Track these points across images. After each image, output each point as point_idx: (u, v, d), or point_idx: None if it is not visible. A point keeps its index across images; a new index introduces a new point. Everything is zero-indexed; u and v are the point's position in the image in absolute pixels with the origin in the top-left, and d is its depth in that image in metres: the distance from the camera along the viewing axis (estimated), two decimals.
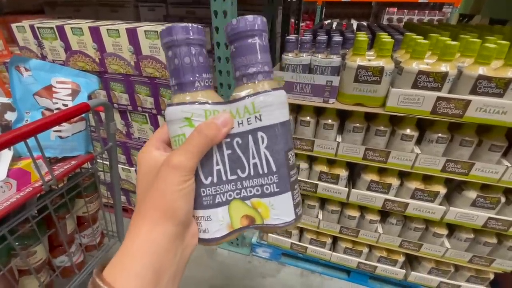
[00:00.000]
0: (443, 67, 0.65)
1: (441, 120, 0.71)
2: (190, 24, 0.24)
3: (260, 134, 0.25)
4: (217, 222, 0.25)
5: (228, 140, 0.25)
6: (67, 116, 0.50)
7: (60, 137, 0.56)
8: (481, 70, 0.64)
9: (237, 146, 0.25)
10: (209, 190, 0.25)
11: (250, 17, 0.23)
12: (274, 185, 0.25)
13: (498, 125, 0.68)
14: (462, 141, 0.75)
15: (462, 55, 0.72)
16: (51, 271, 0.68)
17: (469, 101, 0.66)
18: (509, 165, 0.74)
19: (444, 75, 0.66)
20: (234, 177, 0.26)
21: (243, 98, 0.24)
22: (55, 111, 0.56)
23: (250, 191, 0.26)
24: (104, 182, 0.78)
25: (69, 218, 0.65)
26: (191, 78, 0.24)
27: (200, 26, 0.24)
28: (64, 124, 0.55)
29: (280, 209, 0.26)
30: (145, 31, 0.85)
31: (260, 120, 0.24)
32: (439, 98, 0.68)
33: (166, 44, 0.24)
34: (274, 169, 0.25)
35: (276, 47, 1.53)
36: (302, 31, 2.19)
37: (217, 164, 0.25)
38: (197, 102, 0.24)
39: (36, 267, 0.60)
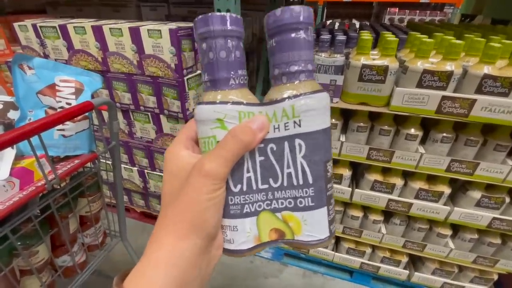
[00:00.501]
0: (448, 66, 0.65)
1: (446, 119, 0.71)
2: (228, 14, 0.21)
3: (298, 141, 0.22)
4: (244, 233, 0.24)
5: (262, 145, 0.23)
6: (70, 114, 0.49)
7: (64, 136, 0.55)
8: (486, 70, 0.63)
9: (271, 153, 0.23)
10: (237, 198, 0.23)
11: (296, 8, 0.21)
12: (309, 198, 0.23)
13: (503, 125, 0.68)
14: (467, 141, 0.75)
15: (467, 55, 0.71)
16: (53, 271, 0.68)
17: (474, 101, 0.66)
18: None
19: (449, 74, 0.65)
20: (265, 186, 0.23)
21: (282, 100, 0.22)
22: (59, 110, 0.56)
23: (282, 203, 0.24)
24: (106, 182, 0.77)
25: (71, 218, 0.65)
26: (226, 75, 0.22)
27: (238, 16, 0.22)
28: (67, 123, 0.55)
29: (313, 225, 0.23)
30: (148, 30, 0.84)
31: (300, 125, 0.22)
32: (444, 98, 0.67)
33: (201, 35, 0.21)
34: (310, 181, 0.23)
35: None
36: None
37: (248, 172, 0.23)
38: (231, 102, 0.22)
39: (38, 267, 0.60)
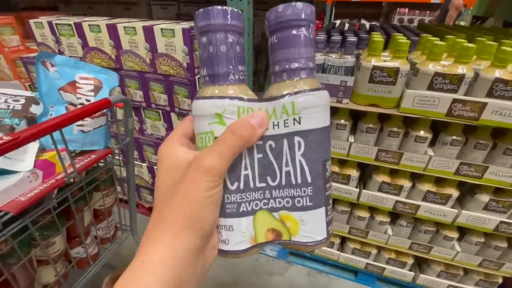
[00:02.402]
0: (460, 69, 0.65)
1: (456, 122, 0.71)
2: (229, 8, 0.21)
3: (297, 139, 0.22)
4: (240, 233, 0.23)
5: (261, 143, 0.22)
6: (90, 111, 0.51)
7: (82, 131, 0.57)
8: (498, 73, 0.64)
9: (270, 150, 0.22)
10: (234, 197, 0.22)
11: (299, 4, 0.20)
12: (307, 198, 0.22)
13: None
14: (476, 144, 0.75)
15: (478, 58, 0.71)
16: (67, 262, 0.70)
17: (485, 104, 0.66)
18: None
19: (461, 77, 0.65)
20: (263, 185, 0.23)
21: (282, 96, 0.22)
22: (79, 106, 0.57)
23: (280, 203, 0.23)
24: (118, 178, 0.79)
25: (86, 211, 0.67)
26: (226, 70, 0.21)
27: (239, 11, 0.21)
28: (86, 118, 0.57)
29: (311, 225, 0.23)
30: (161, 29, 0.86)
31: (299, 123, 0.21)
32: (455, 100, 0.68)
33: (201, 29, 0.21)
34: (309, 180, 0.22)
35: None
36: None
37: (246, 169, 0.22)
38: (231, 97, 0.21)
39: (54, 258, 0.62)
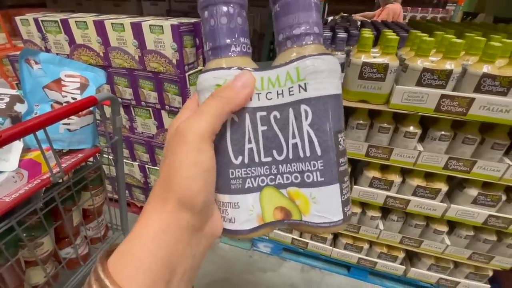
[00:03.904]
0: (448, 65, 0.66)
1: (445, 117, 0.72)
2: None
3: (303, 107, 0.20)
4: (246, 211, 0.21)
5: (264, 113, 0.21)
6: (75, 109, 0.50)
7: (69, 130, 0.56)
8: (486, 69, 0.64)
9: (274, 121, 0.21)
10: (238, 172, 0.21)
11: None
12: (318, 173, 0.20)
13: (501, 124, 0.69)
14: (465, 139, 0.76)
15: (467, 53, 0.72)
16: (57, 262, 0.69)
17: (473, 99, 0.67)
18: (510, 163, 0.75)
19: (449, 73, 0.66)
20: (269, 159, 0.21)
21: (286, 63, 0.20)
22: (64, 104, 0.56)
23: (287, 178, 0.21)
24: (108, 176, 0.78)
25: (75, 211, 0.66)
26: (228, 41, 0.21)
27: None
28: (73, 117, 0.56)
29: (324, 204, 0.21)
30: (150, 25, 0.85)
31: (305, 90, 0.20)
32: (443, 96, 0.68)
33: (202, 3, 0.21)
34: (318, 152, 0.20)
35: None
36: None
37: (250, 142, 0.21)
38: (232, 67, 0.21)
39: (42, 259, 0.61)
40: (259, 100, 0.21)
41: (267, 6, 1.36)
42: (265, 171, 0.22)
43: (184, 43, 0.87)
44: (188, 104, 0.23)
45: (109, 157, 0.72)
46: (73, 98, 0.57)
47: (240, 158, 0.21)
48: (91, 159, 0.67)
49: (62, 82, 0.56)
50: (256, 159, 0.21)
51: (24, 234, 0.56)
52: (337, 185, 0.21)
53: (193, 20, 0.94)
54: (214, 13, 0.20)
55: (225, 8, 0.20)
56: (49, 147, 0.49)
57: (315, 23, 0.20)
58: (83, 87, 0.59)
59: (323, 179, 0.20)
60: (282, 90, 0.21)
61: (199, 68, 0.99)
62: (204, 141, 0.19)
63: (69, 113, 0.50)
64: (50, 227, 0.60)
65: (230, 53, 0.21)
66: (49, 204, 0.58)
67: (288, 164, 0.21)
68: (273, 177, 0.22)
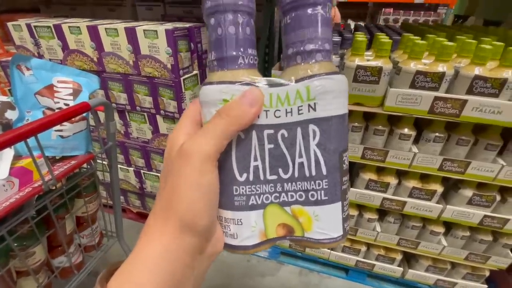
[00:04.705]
0: (440, 68, 0.66)
1: (438, 119, 0.72)
2: None
3: (312, 127, 0.20)
4: (249, 227, 0.22)
5: (272, 131, 0.21)
6: (67, 115, 0.49)
7: (62, 136, 0.56)
8: (477, 71, 0.65)
9: (282, 140, 0.21)
10: (243, 189, 0.21)
11: None
12: (322, 192, 0.21)
13: (494, 125, 0.70)
14: (458, 140, 0.77)
15: (459, 56, 0.73)
16: (50, 272, 0.68)
17: (465, 101, 0.68)
18: (504, 164, 0.75)
19: (441, 75, 0.67)
20: (274, 177, 0.21)
21: (296, 81, 0.20)
22: (57, 111, 0.56)
23: (292, 196, 0.22)
24: (102, 182, 0.77)
25: (68, 218, 0.65)
26: (235, 53, 0.20)
27: None
28: (65, 123, 0.55)
29: (326, 221, 0.21)
30: (144, 30, 0.84)
31: (314, 109, 0.20)
32: (436, 98, 0.69)
33: (209, 10, 0.20)
34: (324, 172, 0.21)
35: (274, 47, 1.54)
36: None
37: (255, 160, 0.21)
38: (239, 82, 0.20)
39: (34, 268, 0.60)
40: (267, 117, 0.21)
41: (262, 10, 1.37)
42: (270, 189, 0.22)
43: (179, 47, 0.87)
44: (188, 113, 0.22)
45: (104, 162, 0.71)
46: (65, 104, 0.56)
47: (245, 175, 0.21)
48: (84, 165, 0.66)
49: (54, 88, 0.56)
50: (262, 177, 0.21)
51: (15, 244, 0.54)
52: (339, 204, 0.21)
53: (187, 24, 0.94)
54: (221, 21, 0.19)
55: (233, 17, 0.19)
56: (41, 154, 0.49)
57: (326, 40, 0.20)
58: (76, 93, 0.58)
59: (327, 198, 0.21)
60: (291, 109, 0.20)
61: (194, 72, 0.99)
62: (209, 162, 0.18)
63: (61, 119, 0.49)
64: (42, 235, 0.59)
65: (237, 66, 0.20)
66: (41, 212, 0.56)
67: (294, 183, 0.21)
68: (278, 194, 0.22)
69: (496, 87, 0.65)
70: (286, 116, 0.21)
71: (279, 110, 0.21)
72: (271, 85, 0.21)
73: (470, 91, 0.67)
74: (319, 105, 0.20)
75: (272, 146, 0.21)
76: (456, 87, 0.69)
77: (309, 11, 0.19)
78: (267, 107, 0.20)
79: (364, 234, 1.01)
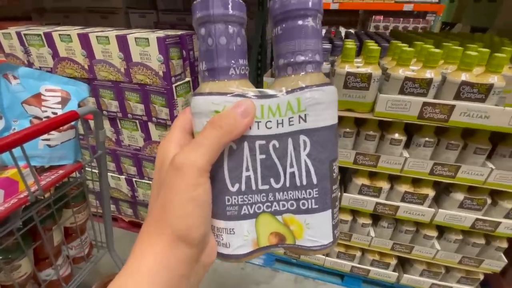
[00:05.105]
0: (428, 74, 0.68)
1: (428, 124, 0.73)
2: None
3: (302, 138, 0.21)
4: (241, 236, 0.22)
5: (263, 142, 0.21)
6: (55, 124, 0.49)
7: (49, 145, 0.55)
8: (464, 77, 0.66)
9: (273, 150, 0.21)
10: (235, 199, 0.21)
11: None
12: (313, 200, 0.21)
13: (482, 129, 0.71)
14: (448, 145, 0.78)
15: (446, 62, 0.74)
16: (37, 285, 0.65)
17: (453, 106, 0.69)
18: (493, 167, 0.76)
19: (429, 81, 0.68)
20: (266, 187, 0.22)
21: (286, 92, 0.20)
22: (44, 119, 0.55)
23: (283, 205, 0.22)
24: (93, 191, 0.76)
25: (56, 229, 0.63)
26: (226, 64, 0.20)
27: (241, 0, 0.20)
28: (53, 132, 0.54)
29: (316, 229, 0.22)
30: (135, 38, 0.84)
31: (305, 121, 0.20)
32: (425, 104, 0.70)
33: (199, 20, 0.20)
34: (314, 181, 0.21)
35: (267, 53, 1.55)
36: None
37: (247, 170, 0.21)
38: (231, 93, 0.20)
39: (20, 282, 0.58)
40: (258, 128, 0.21)
41: (254, 18, 1.39)
42: (262, 198, 0.22)
43: (171, 55, 0.87)
44: (178, 123, 0.22)
45: (93, 171, 0.70)
46: (53, 113, 0.55)
47: (237, 185, 0.21)
48: (74, 174, 0.65)
49: (42, 97, 0.55)
50: (253, 187, 0.22)
51: (0, 257, 0.53)
52: (329, 211, 0.22)
53: (179, 32, 0.94)
54: (212, 31, 0.19)
55: (224, 28, 0.19)
56: (27, 164, 0.47)
57: (317, 51, 0.21)
58: (64, 101, 0.57)
59: (317, 206, 0.21)
60: (282, 120, 0.21)
61: (187, 79, 0.99)
62: (201, 175, 0.18)
63: (49, 128, 0.48)
64: (28, 248, 0.57)
65: (228, 77, 0.20)
66: (27, 224, 0.55)
67: (285, 192, 0.22)
68: (270, 204, 0.22)
69: (483, 92, 0.66)
70: (277, 127, 0.21)
71: (271, 121, 0.21)
72: (262, 96, 0.21)
73: (457, 97, 0.68)
74: (309, 116, 0.20)
75: (263, 156, 0.21)
76: (444, 92, 0.70)
77: (300, 22, 0.20)
78: (259, 118, 0.21)
79: (358, 240, 1.01)
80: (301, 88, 0.20)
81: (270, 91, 0.21)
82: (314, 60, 0.20)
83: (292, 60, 0.20)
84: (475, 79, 0.66)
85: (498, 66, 0.64)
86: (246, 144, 0.21)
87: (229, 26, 0.20)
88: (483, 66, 0.69)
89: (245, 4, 0.20)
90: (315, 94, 0.20)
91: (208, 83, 0.21)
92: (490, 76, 0.65)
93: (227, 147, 0.21)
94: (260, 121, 0.21)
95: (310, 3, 0.19)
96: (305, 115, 0.20)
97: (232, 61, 0.20)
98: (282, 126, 0.21)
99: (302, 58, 0.20)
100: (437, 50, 0.66)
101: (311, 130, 0.21)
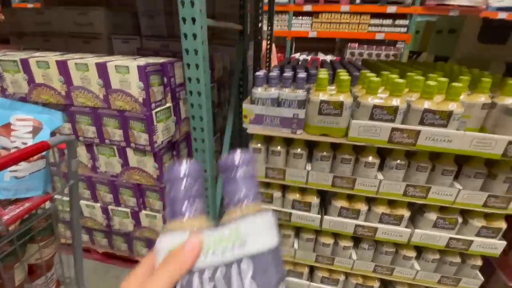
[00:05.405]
0: (394, 101, 0.73)
1: (398, 148, 0.78)
2: (187, 162, 0.26)
3: (246, 262, 0.23)
4: None
5: (211, 271, 0.23)
6: (23, 156, 0.47)
7: (16, 177, 0.52)
8: (426, 104, 0.72)
9: (222, 277, 0.23)
10: None
11: (237, 153, 0.26)
12: None
13: (446, 152, 0.76)
14: (418, 167, 0.82)
15: (410, 91, 0.80)
16: None
17: (419, 131, 0.74)
18: (460, 187, 0.81)
19: (396, 108, 0.73)
20: None
21: (227, 223, 0.24)
22: (13, 150, 0.53)
23: None
24: (63, 220, 0.72)
25: (18, 267, 0.59)
26: (183, 208, 0.25)
27: (196, 162, 0.27)
28: (21, 163, 0.52)
29: None
30: (115, 66, 0.85)
31: (246, 247, 0.23)
32: (393, 129, 0.74)
33: (165, 178, 0.27)
34: None
35: (248, 80, 1.60)
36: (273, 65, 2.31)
37: None
38: (184, 231, 0.24)
39: None
40: (206, 258, 0.24)
41: (235, 45, 1.45)
42: None
43: (151, 82, 0.88)
44: (145, 260, 0.25)
45: (64, 198, 0.67)
46: (23, 143, 0.54)
47: None
48: (42, 205, 0.62)
49: (12, 127, 0.54)
50: None
51: None
52: None
53: (161, 60, 0.96)
54: (173, 186, 0.26)
55: (182, 183, 0.26)
56: None
57: (252, 188, 0.26)
58: (36, 130, 0.56)
59: None
60: (226, 248, 0.23)
61: (167, 105, 1.00)
62: None
63: (17, 160, 0.47)
64: None
65: (184, 217, 0.25)
66: None
67: None
68: None
69: (444, 118, 0.72)
70: (223, 255, 0.23)
71: (217, 251, 0.24)
72: (211, 230, 0.24)
73: (421, 122, 0.74)
74: (248, 242, 0.23)
75: (212, 284, 0.23)
76: (410, 118, 0.75)
77: (234, 173, 0.26)
78: (206, 250, 0.24)
79: (341, 263, 1.01)
80: (240, 218, 0.24)
81: (217, 226, 0.25)
82: (251, 193, 0.26)
83: (232, 198, 0.26)
84: (436, 106, 0.72)
85: (455, 95, 0.70)
86: (195, 276, 0.23)
87: (187, 180, 0.26)
88: (443, 94, 0.75)
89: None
90: (252, 219, 0.24)
91: (170, 223, 0.26)
92: (449, 103, 0.71)
93: (180, 281, 0.23)
94: (208, 252, 0.24)
95: (241, 160, 0.26)
96: (245, 241, 0.23)
97: (188, 205, 0.25)
98: (227, 254, 0.23)
99: (239, 195, 0.26)
100: (401, 80, 0.72)
101: (253, 256, 0.23)
